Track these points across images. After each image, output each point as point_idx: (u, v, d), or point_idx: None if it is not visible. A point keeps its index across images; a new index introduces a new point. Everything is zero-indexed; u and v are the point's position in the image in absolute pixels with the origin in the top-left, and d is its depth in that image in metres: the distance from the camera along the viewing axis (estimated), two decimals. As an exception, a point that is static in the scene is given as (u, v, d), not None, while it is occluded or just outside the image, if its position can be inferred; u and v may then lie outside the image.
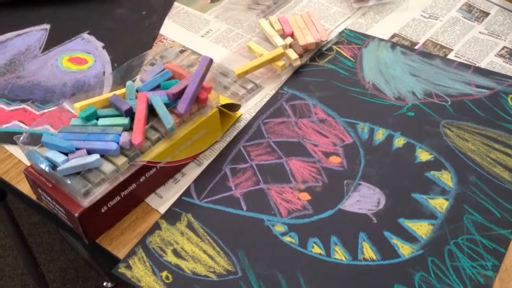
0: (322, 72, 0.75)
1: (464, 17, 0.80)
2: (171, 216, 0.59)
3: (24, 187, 0.62)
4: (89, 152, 0.56)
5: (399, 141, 0.65)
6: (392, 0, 0.85)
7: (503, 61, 0.73)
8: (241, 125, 0.69)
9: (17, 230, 1.18)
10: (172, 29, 0.85)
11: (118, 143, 0.56)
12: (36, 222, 1.50)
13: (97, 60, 0.79)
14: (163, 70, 0.65)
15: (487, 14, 0.80)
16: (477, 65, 0.73)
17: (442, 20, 0.81)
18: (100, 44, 0.81)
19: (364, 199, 0.59)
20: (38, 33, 0.84)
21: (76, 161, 0.54)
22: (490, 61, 0.74)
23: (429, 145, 0.64)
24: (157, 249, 0.57)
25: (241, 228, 0.58)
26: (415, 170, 0.61)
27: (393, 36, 0.80)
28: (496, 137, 0.64)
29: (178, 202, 0.61)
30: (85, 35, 0.83)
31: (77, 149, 0.56)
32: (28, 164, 0.62)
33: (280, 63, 0.75)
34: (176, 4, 0.90)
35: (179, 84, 0.61)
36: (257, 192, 0.61)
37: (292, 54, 0.75)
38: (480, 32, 0.78)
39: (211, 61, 0.62)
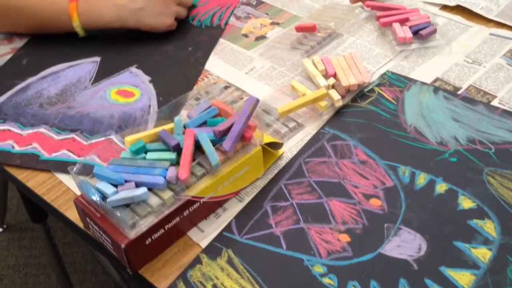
0: (363, 113, 0.76)
1: (509, 64, 0.80)
2: (212, 250, 0.60)
3: (72, 215, 0.64)
4: (137, 184, 0.57)
5: (441, 187, 0.65)
6: (435, 44, 0.86)
7: (548, 110, 0.73)
8: (282, 163, 0.70)
9: (54, 250, 1.21)
10: (217, 65, 0.87)
11: (165, 177, 0.58)
12: (71, 241, 1.53)
13: (144, 93, 0.82)
14: (210, 107, 0.67)
15: (532, 62, 0.80)
16: (521, 113, 0.73)
17: (485, 66, 0.81)
18: (147, 78, 0.84)
19: (405, 244, 0.59)
20: (89, 65, 0.87)
21: (125, 193, 0.56)
22: (535, 109, 0.74)
23: (472, 192, 0.63)
24: (198, 283, 0.57)
25: (280, 266, 0.58)
26: (457, 218, 0.61)
27: (435, 80, 0.80)
28: (541, 188, 0.63)
29: (219, 237, 0.62)
30: (133, 68, 0.86)
31: (126, 181, 0.57)
32: (77, 192, 0.65)
33: (323, 103, 0.76)
34: (221, 40, 0.93)
35: (226, 122, 0.63)
36: (297, 231, 0.62)
37: (335, 94, 0.76)
38: (524, 80, 0.78)
39: (257, 101, 0.64)
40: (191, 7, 0.98)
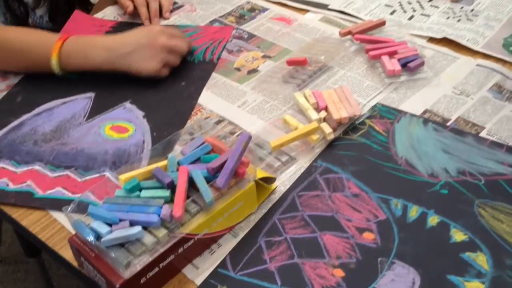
0: (355, 146, 0.77)
1: (495, 97, 0.82)
2: (207, 288, 0.60)
3: (67, 253, 0.64)
4: (132, 223, 0.58)
5: (433, 220, 0.65)
6: (423, 76, 0.88)
7: (536, 141, 0.74)
8: (276, 197, 0.71)
9: (49, 284, 1.20)
10: (210, 99, 0.88)
11: (159, 215, 0.58)
12: (66, 274, 1.51)
13: (138, 128, 0.82)
14: (203, 143, 0.68)
15: (518, 94, 0.82)
16: (510, 144, 0.74)
17: (473, 98, 0.83)
18: (141, 113, 0.85)
19: (399, 279, 0.59)
20: (83, 101, 0.88)
21: (119, 232, 0.56)
22: (523, 140, 0.75)
23: (463, 224, 0.64)
24: (193, 322, 0.57)
25: (275, 303, 0.58)
26: (450, 251, 0.62)
27: (425, 112, 0.82)
28: (531, 219, 0.64)
29: (214, 274, 0.62)
30: (127, 104, 0.87)
31: (120, 220, 0.58)
32: (72, 230, 0.65)
33: (315, 136, 0.77)
34: (214, 74, 0.94)
35: (219, 158, 0.64)
36: (292, 267, 0.62)
37: (326, 128, 0.77)
38: (511, 111, 0.79)
39: (249, 137, 0.65)
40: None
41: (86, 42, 0.89)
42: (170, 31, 0.92)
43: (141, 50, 0.87)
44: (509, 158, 0.72)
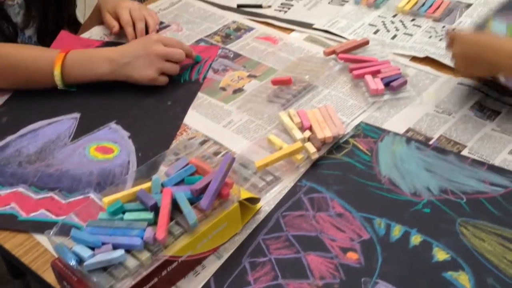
0: (339, 165, 0.78)
1: (476, 116, 0.83)
2: (191, 311, 0.60)
3: (50, 277, 0.64)
4: (115, 246, 0.58)
5: (416, 239, 0.66)
6: (406, 95, 0.89)
7: (516, 159, 0.76)
8: (260, 217, 0.71)
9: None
10: (196, 119, 0.89)
11: (142, 238, 0.58)
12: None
13: (123, 149, 0.82)
14: (187, 164, 0.68)
15: (498, 112, 0.83)
16: (490, 163, 0.75)
17: (455, 116, 0.84)
18: (126, 134, 0.85)
19: (382, 299, 0.60)
20: (68, 121, 0.88)
21: (102, 256, 0.56)
22: (504, 158, 0.76)
23: (445, 243, 0.65)
24: None
25: (259, 325, 0.58)
26: (433, 270, 0.62)
27: (407, 131, 0.83)
28: (512, 238, 0.65)
29: (198, 296, 0.62)
30: (113, 124, 0.87)
31: (103, 243, 0.58)
32: (55, 253, 0.64)
33: (299, 156, 0.77)
34: (199, 94, 0.94)
35: (202, 180, 0.64)
36: (276, 288, 0.62)
37: (311, 147, 0.78)
38: (492, 130, 0.80)
39: (233, 159, 0.65)
40: (195, 63, 1.00)
41: (89, 54, 0.94)
42: (166, 40, 0.96)
43: (138, 59, 0.91)
44: (490, 176, 0.73)
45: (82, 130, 0.87)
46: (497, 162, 0.75)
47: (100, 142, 0.84)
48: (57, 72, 0.90)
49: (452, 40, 0.84)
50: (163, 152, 0.77)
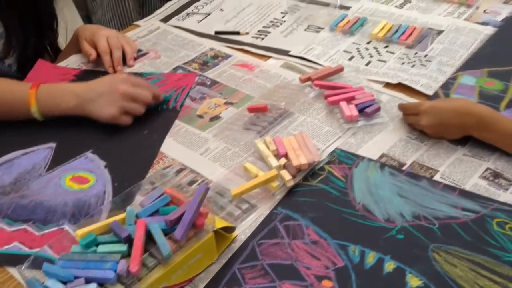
0: (314, 192, 0.78)
1: (448, 141, 0.85)
2: None
3: (22, 312, 0.63)
4: (87, 280, 0.57)
5: (389, 265, 0.67)
6: (380, 121, 0.90)
7: (487, 184, 0.77)
8: (236, 245, 0.71)
9: None
10: (172, 147, 0.89)
11: (115, 271, 0.58)
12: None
13: (99, 179, 0.82)
14: (162, 194, 0.69)
15: (469, 137, 0.85)
16: (462, 187, 0.76)
17: (427, 143, 0.85)
18: (102, 163, 0.85)
19: (356, 327, 0.60)
20: (44, 151, 0.88)
21: (74, 290, 0.56)
22: (475, 183, 0.77)
23: (418, 270, 0.65)
24: None
25: None
26: (406, 297, 0.63)
27: (381, 156, 0.84)
28: (483, 263, 0.65)
29: (173, 328, 0.61)
30: (89, 153, 0.87)
31: (76, 277, 0.57)
32: None
33: (275, 183, 0.78)
34: (177, 122, 0.95)
35: (177, 211, 0.64)
36: (251, 318, 0.62)
37: (286, 175, 0.79)
38: (464, 154, 0.82)
39: (207, 189, 0.65)
40: (163, 102, 0.99)
41: (57, 88, 0.93)
42: (133, 80, 0.94)
43: (102, 97, 0.90)
44: (462, 201, 0.74)
45: (58, 160, 0.86)
46: (468, 186, 0.77)
47: (76, 172, 0.84)
48: (34, 110, 0.90)
49: (407, 111, 0.88)
50: (139, 181, 0.78)
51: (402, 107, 0.89)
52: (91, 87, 0.92)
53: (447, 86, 0.97)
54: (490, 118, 0.79)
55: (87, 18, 1.74)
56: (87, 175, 0.83)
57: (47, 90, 0.92)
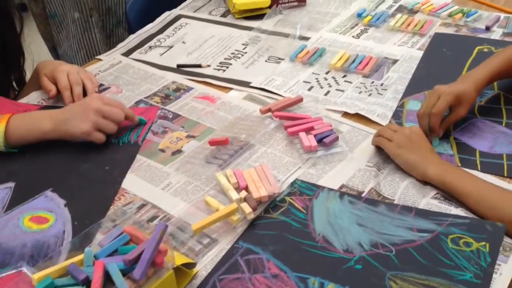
0: (275, 225, 0.79)
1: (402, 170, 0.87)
2: None
3: None
4: (44, 326, 0.56)
5: (348, 296, 0.68)
6: (339, 151, 0.92)
7: (438, 202, 0.80)
8: (197, 282, 0.71)
9: None
10: (134, 183, 0.89)
11: (72, 315, 0.57)
12: None
13: (58, 218, 0.82)
14: (121, 233, 0.68)
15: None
16: (417, 207, 0.79)
17: (383, 172, 0.88)
18: (62, 202, 0.85)
19: None
20: (2, 192, 0.87)
21: (29, 338, 0.55)
22: (427, 202, 0.80)
23: (376, 299, 0.67)
24: None
25: None
26: (364, 327, 0.64)
27: (341, 186, 0.86)
28: (437, 287, 0.67)
29: None
30: (49, 192, 0.87)
31: (31, 324, 0.56)
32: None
33: (235, 217, 0.79)
34: (139, 157, 0.95)
35: (135, 250, 0.64)
36: None
37: (246, 208, 0.79)
38: (417, 180, 0.85)
39: (166, 227, 0.66)
40: (139, 125, 1.02)
41: (31, 115, 0.98)
42: (106, 99, 0.99)
43: (76, 114, 0.95)
44: (418, 222, 0.76)
45: (17, 199, 0.85)
46: (421, 206, 0.79)
47: (35, 212, 0.83)
48: (0, 139, 0.91)
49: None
50: (99, 219, 0.77)
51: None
52: (66, 109, 0.98)
53: (397, 115, 1.00)
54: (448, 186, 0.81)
55: (54, 50, 1.72)
56: (46, 214, 0.82)
57: (21, 117, 0.95)
